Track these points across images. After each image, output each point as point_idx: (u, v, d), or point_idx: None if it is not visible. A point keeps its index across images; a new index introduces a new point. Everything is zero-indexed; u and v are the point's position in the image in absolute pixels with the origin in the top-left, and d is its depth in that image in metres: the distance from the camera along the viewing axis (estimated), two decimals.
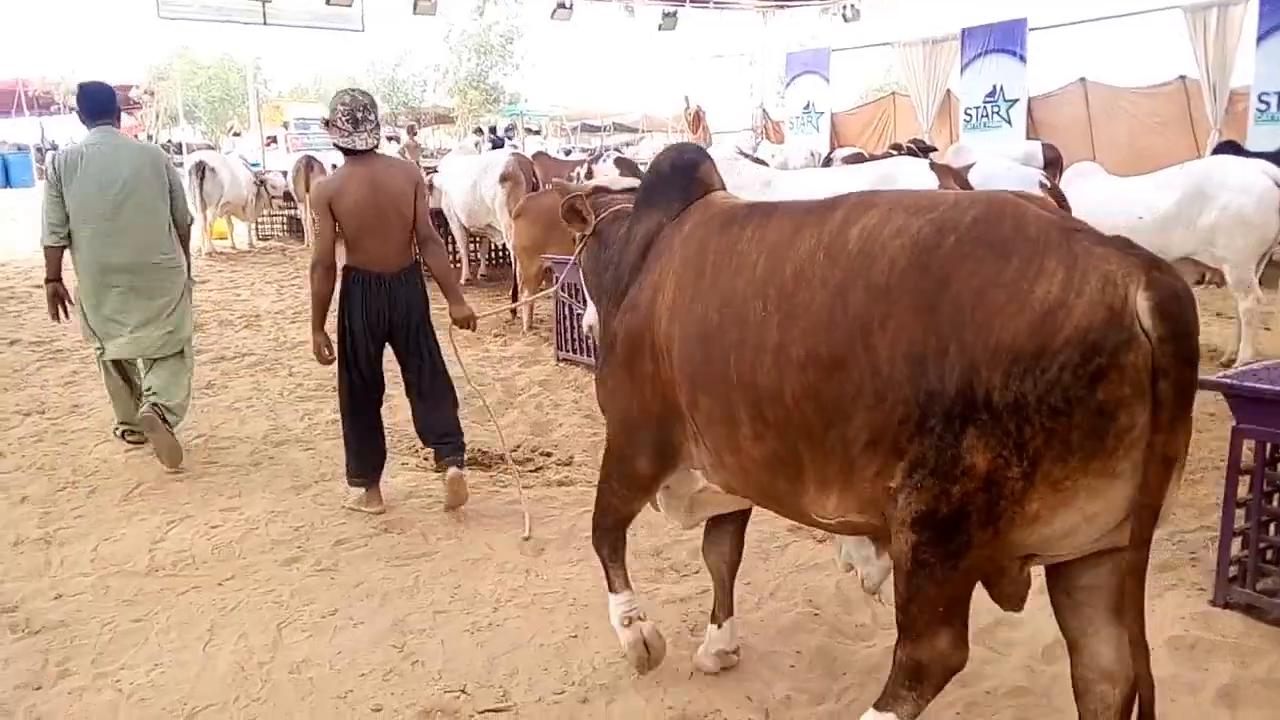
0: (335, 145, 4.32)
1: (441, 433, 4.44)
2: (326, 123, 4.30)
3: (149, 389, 5.04)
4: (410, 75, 46.13)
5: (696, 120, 20.75)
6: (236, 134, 31.81)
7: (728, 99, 27.99)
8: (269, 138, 28.37)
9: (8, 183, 27.87)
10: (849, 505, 2.19)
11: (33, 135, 34.95)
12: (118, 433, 5.43)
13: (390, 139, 24.54)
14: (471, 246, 11.13)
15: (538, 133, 32.57)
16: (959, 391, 1.89)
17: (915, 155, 9.77)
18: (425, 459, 5.11)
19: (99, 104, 5.14)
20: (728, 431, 2.40)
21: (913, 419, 1.96)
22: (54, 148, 35.40)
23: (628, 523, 3.02)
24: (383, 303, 4.27)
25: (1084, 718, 2.17)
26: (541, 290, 7.90)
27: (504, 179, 9.95)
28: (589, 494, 4.46)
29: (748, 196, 5.76)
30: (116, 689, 2.97)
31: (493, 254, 11.48)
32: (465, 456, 4.50)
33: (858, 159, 11.60)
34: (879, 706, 2.17)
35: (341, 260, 4.27)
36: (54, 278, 5.18)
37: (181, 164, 14.97)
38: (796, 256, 2.24)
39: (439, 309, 4.47)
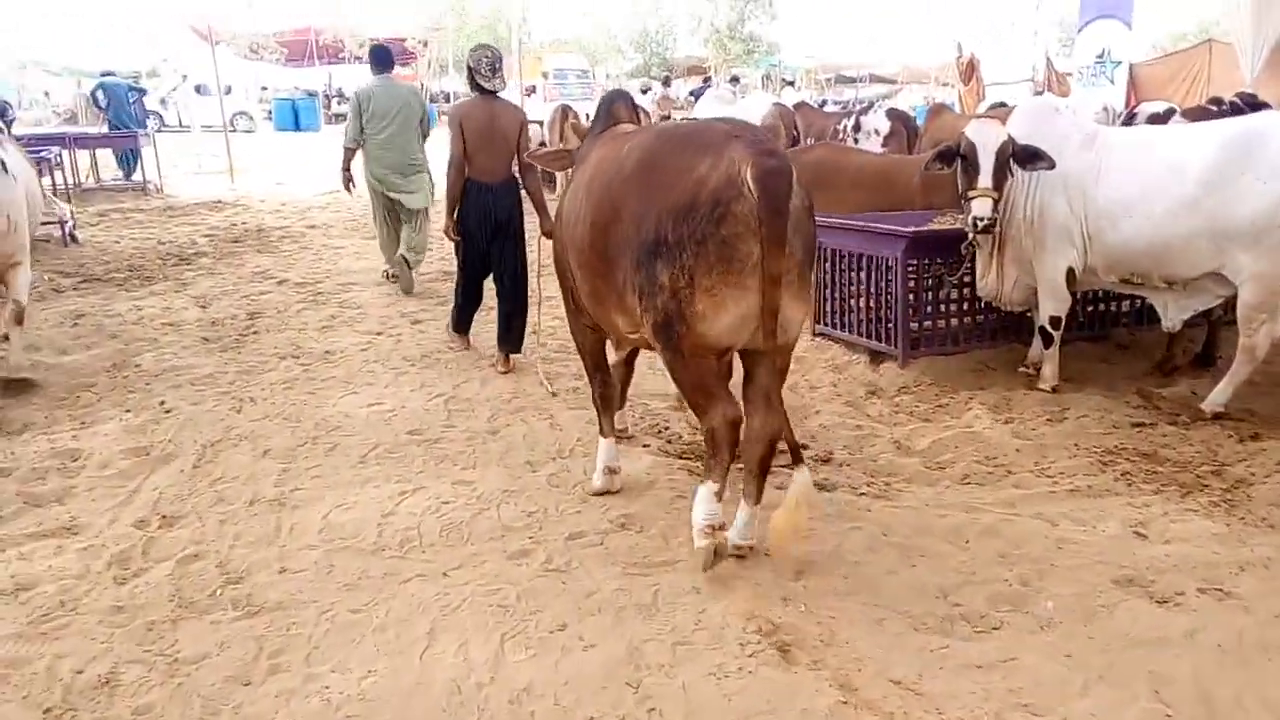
0: (473, 84, 5.75)
1: (505, 333, 5.86)
2: (469, 68, 5.73)
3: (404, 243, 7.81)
4: (661, 25, 45.98)
5: (970, 70, 19.00)
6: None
7: (1005, 47, 25.58)
8: (529, 87, 29.07)
9: (297, 126, 30.16)
10: (632, 325, 3.34)
11: (321, 82, 37.76)
12: (383, 274, 8.27)
13: (644, 91, 24.40)
14: None
15: (792, 84, 31.33)
16: (654, 236, 3.05)
17: (1243, 111, 8.16)
18: (669, 441, 4.62)
19: (382, 60, 7.90)
20: (579, 277, 3.63)
21: (638, 259, 3.11)
22: (340, 94, 38.18)
23: (602, 354, 4.09)
24: (488, 202, 5.73)
25: (746, 466, 3.32)
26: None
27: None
28: (857, 505, 3.80)
29: (1067, 153, 4.78)
30: (325, 698, 2.66)
31: None
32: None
33: (1168, 115, 9.95)
34: (703, 480, 3.32)
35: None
36: (346, 168, 7.80)
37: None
38: (603, 163, 3.48)
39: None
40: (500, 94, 5.79)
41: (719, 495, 3.27)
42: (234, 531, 3.66)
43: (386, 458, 4.40)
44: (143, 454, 4.47)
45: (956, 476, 4.15)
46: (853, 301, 6.03)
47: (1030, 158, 4.94)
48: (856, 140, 9.72)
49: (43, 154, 10.10)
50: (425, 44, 35.61)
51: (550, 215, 5.20)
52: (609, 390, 4.08)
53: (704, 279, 2.99)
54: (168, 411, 5.03)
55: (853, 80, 34.13)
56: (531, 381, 5.53)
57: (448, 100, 30.07)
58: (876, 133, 9.68)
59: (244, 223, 11.65)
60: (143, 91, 29.99)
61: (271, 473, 4.23)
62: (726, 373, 3.48)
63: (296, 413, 5.01)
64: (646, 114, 15.66)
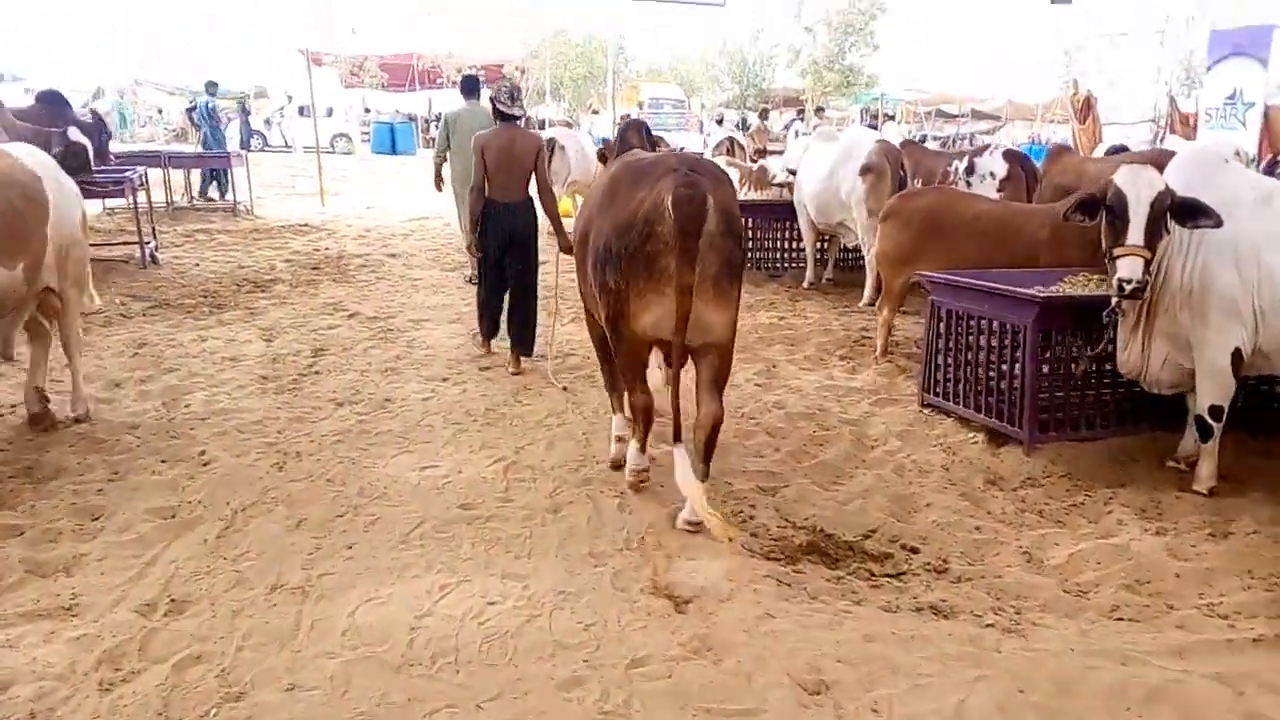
0: (496, 112, 6.42)
1: (517, 337, 6.49)
2: (493, 98, 6.40)
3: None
4: (760, 55, 45.48)
5: (1086, 108, 17.99)
6: (595, 111, 32.79)
7: (1123, 85, 24.33)
8: (623, 116, 28.88)
9: (393, 149, 30.48)
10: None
11: (420, 107, 38.29)
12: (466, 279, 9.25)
13: (718, 121, 23.91)
14: (821, 246, 9.89)
15: (892, 118, 30.43)
16: (604, 247, 3.92)
17: None
18: (754, 535, 3.99)
19: (469, 88, 9.24)
20: (580, 279, 4.60)
21: (597, 264, 3.99)
22: (437, 119, 38.73)
23: (607, 347, 4.45)
24: (506, 220, 6.30)
25: (695, 448, 3.98)
26: (895, 310, 6.53)
27: (866, 171, 8.61)
28: (983, 642, 3.11)
29: (1239, 212, 4.02)
30: None
31: (843, 255, 10.14)
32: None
33: None
34: (634, 446, 4.33)
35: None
36: (436, 177, 9.13)
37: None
38: (596, 184, 4.70)
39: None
40: (519, 121, 6.47)
41: (642, 449, 4.32)
42: (246, 627, 3.17)
43: (432, 538, 3.88)
44: (168, 516, 4.04)
45: (1104, 607, 3.42)
46: (969, 371, 5.33)
47: (1192, 213, 4.20)
48: (969, 184, 8.97)
49: (127, 173, 9.99)
50: (522, 72, 35.78)
51: (567, 234, 5.73)
52: (616, 375, 4.63)
53: (636, 283, 3.83)
54: (205, 464, 4.61)
55: (953, 116, 33.02)
56: (600, 447, 4.97)
57: (541, 126, 30.09)
58: (992, 175, 8.91)
59: (326, 249, 11.44)
60: (247, 111, 30.73)
61: (301, 550, 3.74)
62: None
63: (342, 474, 4.54)
64: (741, 146, 15.12)
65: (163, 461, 4.64)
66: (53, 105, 10.73)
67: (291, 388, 5.93)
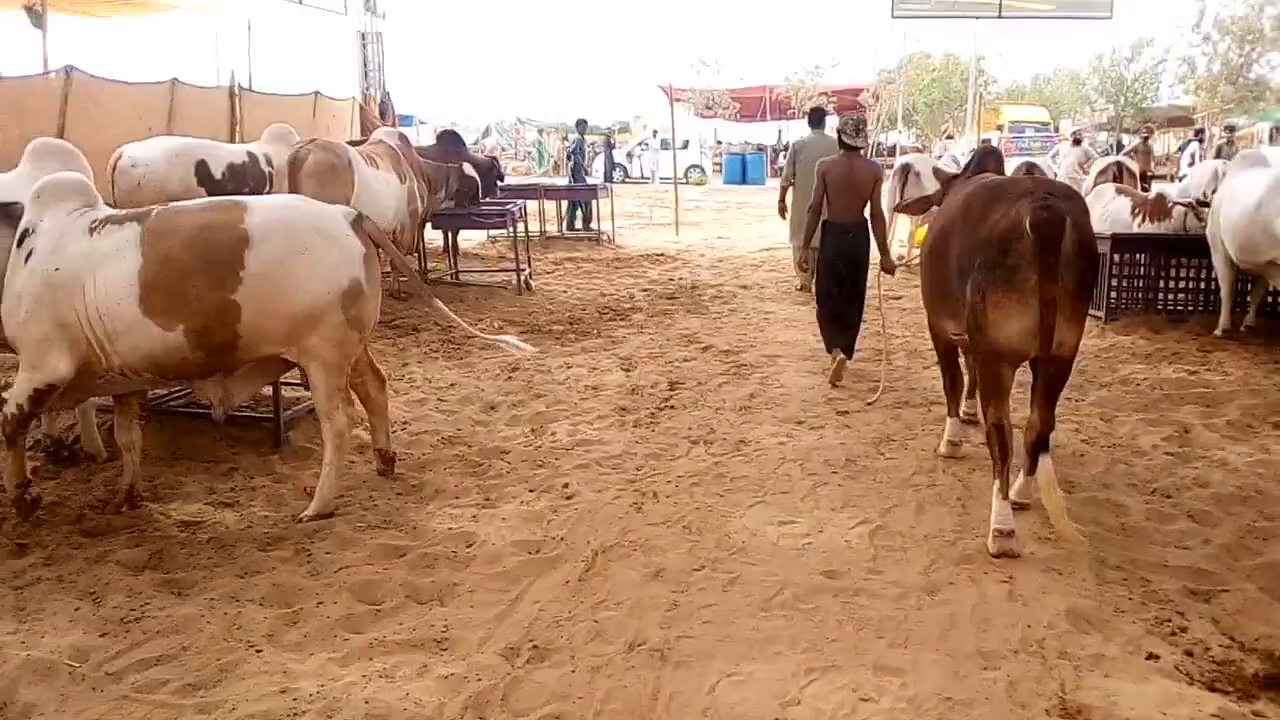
0: (840, 142, 6.98)
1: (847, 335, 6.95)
2: (839, 129, 7.02)
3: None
4: (1142, 71, 41.13)
5: None
6: (949, 137, 31.32)
7: None
8: (982, 141, 27.24)
9: (744, 179, 31.01)
10: (956, 328, 4.62)
11: (770, 137, 38.78)
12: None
13: (1110, 149, 21.57)
14: (1241, 287, 8.41)
15: None
16: (965, 263, 4.21)
17: None
18: (1188, 654, 3.23)
19: (816, 119, 10.60)
20: (928, 291, 5.06)
21: (956, 279, 4.36)
22: (785, 148, 39.04)
23: (951, 350, 5.24)
24: (843, 240, 6.83)
25: (1026, 450, 4.16)
26: None
27: None
28: None
29: None
30: None
31: (1272, 299, 8.55)
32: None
33: None
34: (998, 501, 4.11)
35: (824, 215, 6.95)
36: (781, 200, 10.53)
37: (891, 165, 14.65)
38: (948, 204, 4.89)
39: None
40: (860, 152, 7.02)
41: (1003, 494, 4.06)
42: (605, 689, 3.01)
43: (794, 608, 3.54)
44: (533, 550, 4.05)
45: None
46: None
47: None
48: None
49: (509, 206, 10.77)
50: (876, 98, 35.00)
51: (890, 256, 7.11)
52: (956, 382, 5.31)
53: (994, 294, 4.02)
54: (569, 498, 4.63)
55: None
56: (980, 515, 4.38)
57: (891, 154, 29.19)
58: None
59: (680, 278, 11.64)
60: (611, 146, 32.71)
61: (660, 604, 3.56)
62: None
63: (699, 521, 4.34)
64: (1131, 173, 13.51)
65: (530, 491, 4.72)
66: (450, 143, 11.90)
67: (649, 422, 5.90)
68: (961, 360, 5.37)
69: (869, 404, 6.20)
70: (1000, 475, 4.07)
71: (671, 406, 6.22)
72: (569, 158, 17.43)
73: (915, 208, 6.25)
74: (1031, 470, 4.15)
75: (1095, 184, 11.07)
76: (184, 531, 4.20)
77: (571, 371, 7.10)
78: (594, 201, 15.59)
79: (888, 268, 7.02)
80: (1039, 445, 4.01)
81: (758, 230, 17.36)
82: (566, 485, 4.78)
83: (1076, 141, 16.81)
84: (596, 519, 4.36)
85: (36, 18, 11.17)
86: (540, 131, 39.70)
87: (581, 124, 17.23)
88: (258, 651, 3.20)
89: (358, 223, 4.42)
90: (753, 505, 4.55)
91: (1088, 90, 44.97)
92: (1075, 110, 46.31)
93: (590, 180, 17.26)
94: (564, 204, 15.91)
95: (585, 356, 7.59)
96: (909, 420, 5.91)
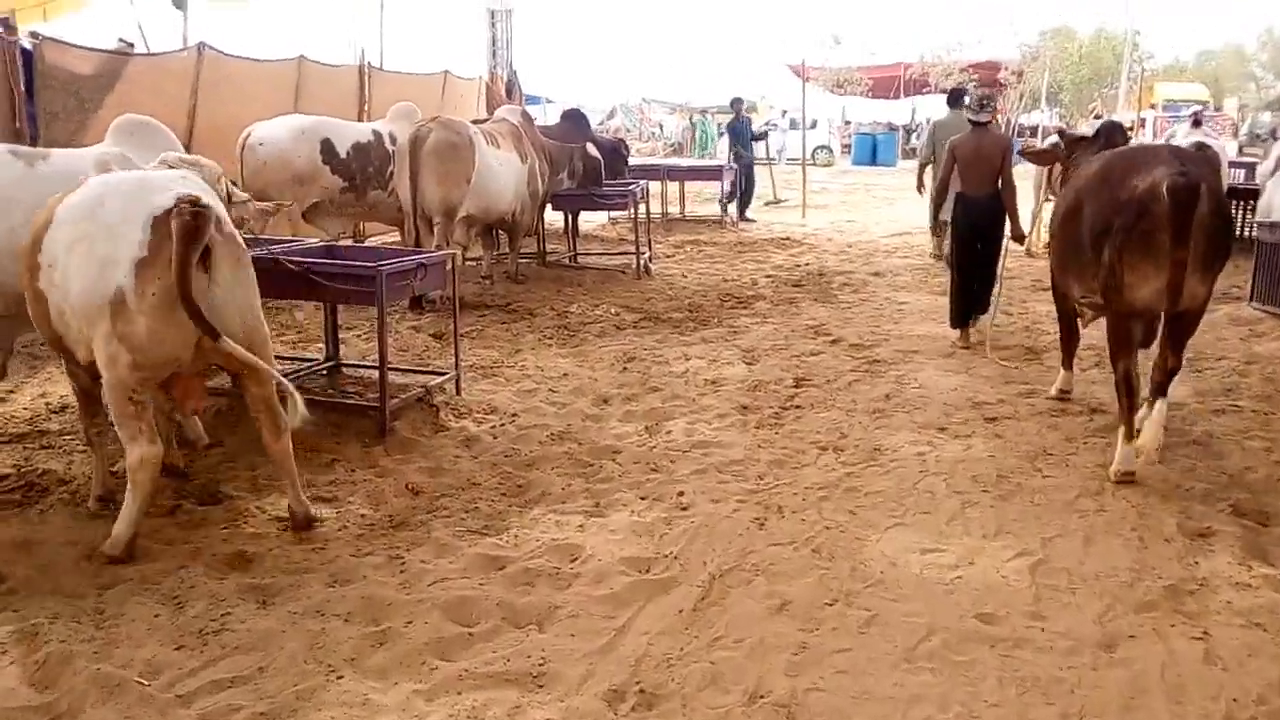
0: (968, 119, 7.40)
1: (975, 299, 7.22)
2: (965, 107, 7.88)
3: None
4: None
5: None
6: (1097, 116, 29.44)
7: None
8: (1138, 120, 25.37)
9: (874, 160, 29.85)
10: (1085, 290, 5.00)
11: (902, 115, 37.26)
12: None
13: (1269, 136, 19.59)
14: None
15: None
16: (1101, 225, 4.51)
17: None
18: None
19: (955, 98, 10.26)
20: (1059, 252, 5.43)
21: (1091, 241, 4.64)
22: (918, 128, 37.40)
23: (1071, 313, 5.65)
24: (974, 212, 7.10)
25: (1150, 390, 4.52)
26: None
27: None
28: None
29: None
30: None
31: None
32: None
33: None
34: (1122, 443, 4.59)
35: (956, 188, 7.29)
36: (919, 178, 10.90)
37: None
38: (1081, 172, 5.17)
39: None
40: (988, 126, 7.28)
41: (1128, 438, 4.47)
42: None
43: (944, 660, 3.04)
44: (643, 569, 3.66)
45: None
46: None
47: None
48: None
49: (630, 188, 10.40)
50: (1019, 75, 33.15)
51: (1020, 224, 7.27)
52: (1072, 341, 5.82)
53: (1130, 257, 4.38)
54: (684, 509, 4.21)
55: None
56: (1160, 552, 3.76)
57: (1033, 135, 27.54)
58: None
59: (806, 264, 11.05)
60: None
61: (786, 645, 3.11)
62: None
63: (830, 543, 3.86)
64: None
65: (641, 499, 4.33)
66: (575, 122, 11.58)
67: (772, 422, 5.43)
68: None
69: (1002, 361, 6.72)
70: (1126, 422, 4.54)
71: (797, 406, 5.72)
72: (721, 136, 16.63)
73: (1041, 159, 7.41)
74: (1151, 403, 4.51)
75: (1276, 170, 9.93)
76: (277, 529, 3.98)
77: (690, 364, 6.68)
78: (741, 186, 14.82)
79: (1017, 235, 7.27)
80: (1164, 385, 4.49)
81: (889, 214, 16.51)
82: (682, 493, 4.36)
83: (1196, 123, 15.10)
84: (714, 535, 3.93)
85: None
86: (675, 111, 39.21)
87: (737, 102, 16.03)
88: (338, 677, 2.91)
89: (169, 215, 3.38)
90: (891, 527, 4.03)
91: (1253, 67, 41.59)
92: (1240, 88, 42.93)
93: (726, 161, 16.52)
94: (724, 185, 15.11)
95: (705, 347, 7.15)
96: (1068, 430, 5.25)
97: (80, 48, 8.44)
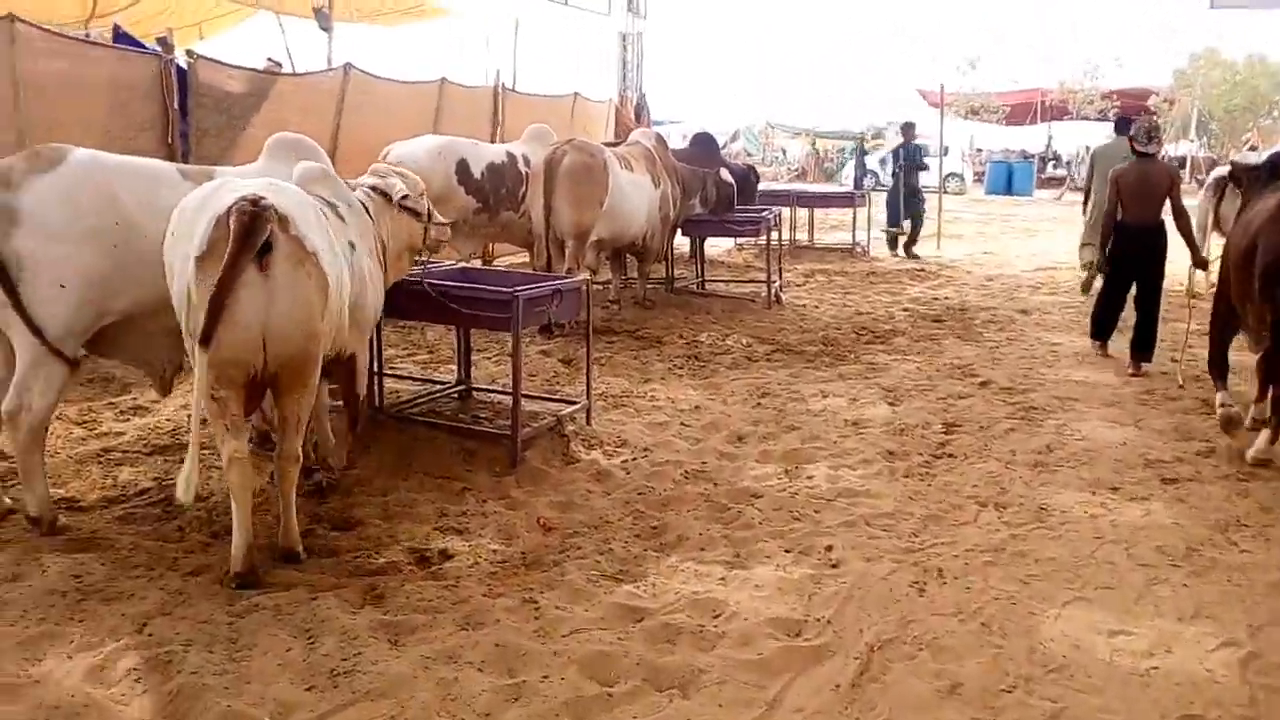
0: (1132, 150, 7.35)
1: (1140, 341, 7.21)
2: (1130, 137, 7.44)
3: None
4: None
5: None
6: (1252, 148, 27.67)
7: None
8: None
9: (1009, 189, 28.76)
10: (1257, 320, 5.23)
11: (1035, 142, 35.87)
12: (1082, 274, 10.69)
13: None
14: None
15: None
16: (1274, 263, 4.87)
17: None
18: None
19: (1123, 125, 10.10)
20: (1232, 282, 5.54)
21: (1265, 277, 4.92)
22: (1055, 157, 35.92)
23: (1225, 343, 5.79)
24: (1137, 240, 7.19)
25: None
26: None
27: None
28: None
29: None
30: None
31: None
32: None
33: None
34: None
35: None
36: (1084, 206, 10.63)
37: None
38: (1254, 207, 5.43)
39: None
40: (1156, 157, 7.30)
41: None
42: None
43: None
44: (793, 633, 3.36)
45: None
46: None
47: None
48: None
49: (764, 214, 10.13)
50: (1170, 104, 31.49)
51: (1200, 251, 7.28)
52: (1222, 364, 5.74)
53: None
54: (834, 565, 3.90)
55: None
56: None
57: (1181, 167, 26.05)
58: None
59: (945, 297, 10.54)
60: (864, 152, 31.32)
61: None
62: None
63: (1000, 617, 3.48)
64: None
65: (786, 551, 4.03)
66: (706, 147, 11.40)
67: (923, 472, 5.05)
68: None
69: (1180, 386, 6.66)
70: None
71: (950, 455, 5.33)
72: (883, 164, 16.16)
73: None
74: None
75: None
76: (409, 561, 3.85)
77: (828, 401, 6.35)
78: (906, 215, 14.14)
79: (1198, 263, 7.15)
80: None
81: (1029, 246, 15.76)
82: (830, 548, 4.05)
83: None
84: (868, 599, 3.61)
85: (324, 19, 11.70)
86: (798, 135, 38.81)
87: (908, 127, 15.03)
88: None
89: (229, 213, 3.36)
90: (1069, 601, 3.63)
91: None
92: None
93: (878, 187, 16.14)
94: (811, 212, 14.81)
95: (843, 384, 6.80)
96: (1261, 498, 4.71)
97: (232, 67, 8.71)
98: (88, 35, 11.11)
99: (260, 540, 3.71)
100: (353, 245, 4.10)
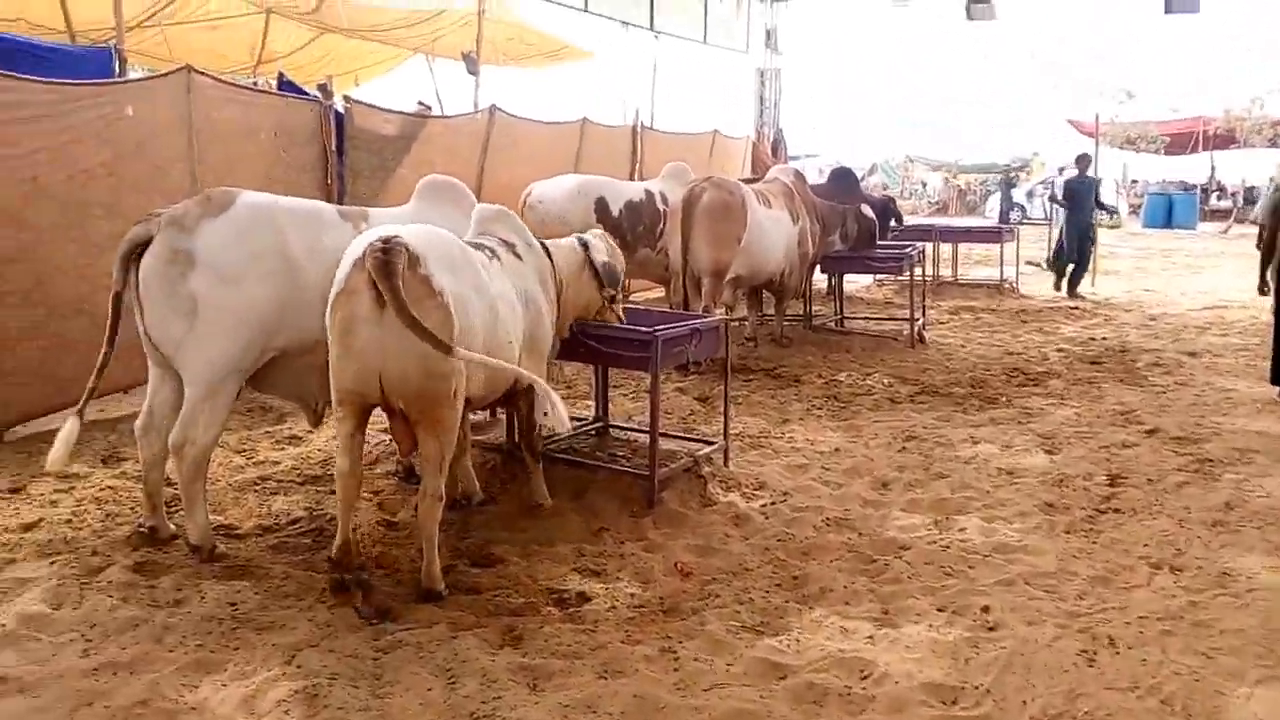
0: None
1: None
2: None
3: None
4: None
5: None
6: None
7: None
8: None
9: (1169, 223, 27.19)
10: None
11: (1197, 173, 33.83)
12: None
13: None
14: None
15: None
16: None
17: None
18: None
19: None
20: None
21: None
22: (1220, 187, 33.73)
23: None
24: None
25: None
26: None
27: None
28: None
29: None
30: None
31: None
32: None
33: None
34: None
35: None
36: (1257, 243, 8.13)
37: None
38: None
39: None
40: None
41: None
42: None
43: None
44: (949, 701, 3.15)
45: None
46: None
47: None
48: None
49: (908, 250, 9.84)
50: None
51: None
52: None
53: None
54: (991, 628, 3.65)
55: None
56: None
57: None
58: None
59: (1103, 338, 9.96)
60: (1011, 185, 30.24)
61: None
62: None
63: (1184, 695, 3.17)
64: None
65: (939, 610, 3.80)
66: (844, 181, 11.21)
67: (1086, 527, 4.71)
68: None
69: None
70: None
71: (1116, 510, 4.96)
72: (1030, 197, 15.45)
73: None
74: None
75: None
76: (548, 602, 3.82)
77: (979, 448, 6.03)
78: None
79: None
80: None
81: (1194, 284, 14.77)
82: (986, 609, 3.79)
83: None
84: (1032, 667, 3.35)
85: (471, 63, 12.12)
86: (938, 169, 37.89)
87: (1083, 158, 14.40)
88: None
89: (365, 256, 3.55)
90: (1261, 680, 3.27)
91: None
92: None
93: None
94: (955, 247, 14.34)
95: (994, 430, 6.47)
96: None
97: (385, 111, 9.09)
98: (255, 83, 11.85)
99: (404, 573, 3.77)
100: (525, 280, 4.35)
